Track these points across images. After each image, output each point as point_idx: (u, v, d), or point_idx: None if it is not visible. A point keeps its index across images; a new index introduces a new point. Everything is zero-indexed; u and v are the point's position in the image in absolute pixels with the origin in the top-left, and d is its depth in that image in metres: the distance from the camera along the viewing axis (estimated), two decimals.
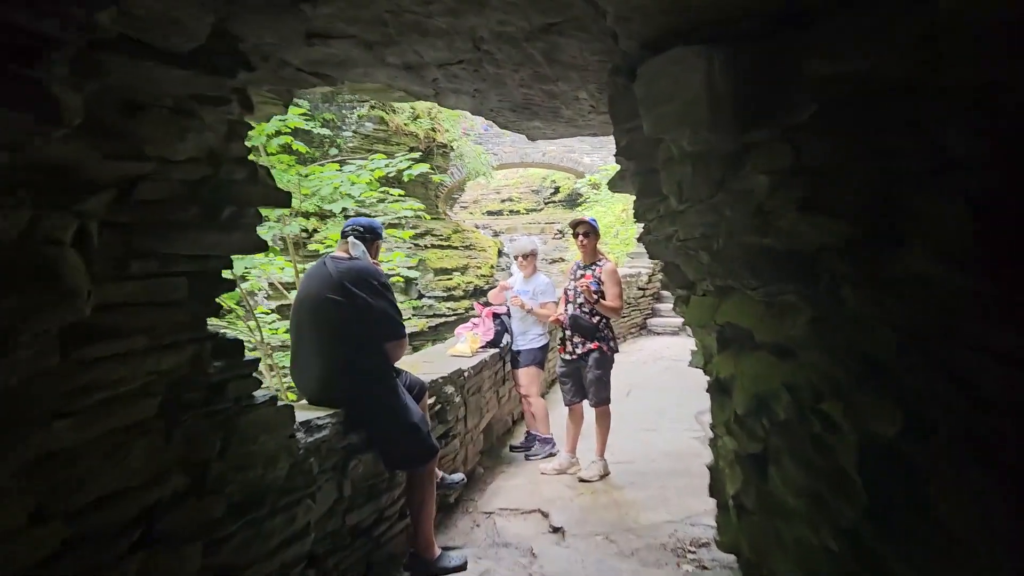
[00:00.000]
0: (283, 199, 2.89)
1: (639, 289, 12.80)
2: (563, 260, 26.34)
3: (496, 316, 5.95)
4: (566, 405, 5.44)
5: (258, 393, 2.88)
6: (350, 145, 19.41)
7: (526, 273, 5.98)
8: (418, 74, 2.70)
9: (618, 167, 3.23)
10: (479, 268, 23.67)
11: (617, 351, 5.41)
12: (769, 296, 2.46)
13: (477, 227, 29.08)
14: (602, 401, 5.21)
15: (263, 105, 3.07)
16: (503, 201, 37.02)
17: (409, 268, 20.60)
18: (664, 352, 10.84)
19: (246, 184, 2.75)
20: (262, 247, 2.86)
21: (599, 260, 5.38)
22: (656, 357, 10.43)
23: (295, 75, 2.68)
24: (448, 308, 21.85)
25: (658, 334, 12.32)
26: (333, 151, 18.93)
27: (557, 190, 35.60)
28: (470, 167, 25.43)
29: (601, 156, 29.29)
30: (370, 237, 3.69)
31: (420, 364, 4.92)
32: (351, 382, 3.38)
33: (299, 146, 6.58)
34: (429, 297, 21.51)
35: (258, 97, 2.96)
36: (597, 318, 5.24)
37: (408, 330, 16.68)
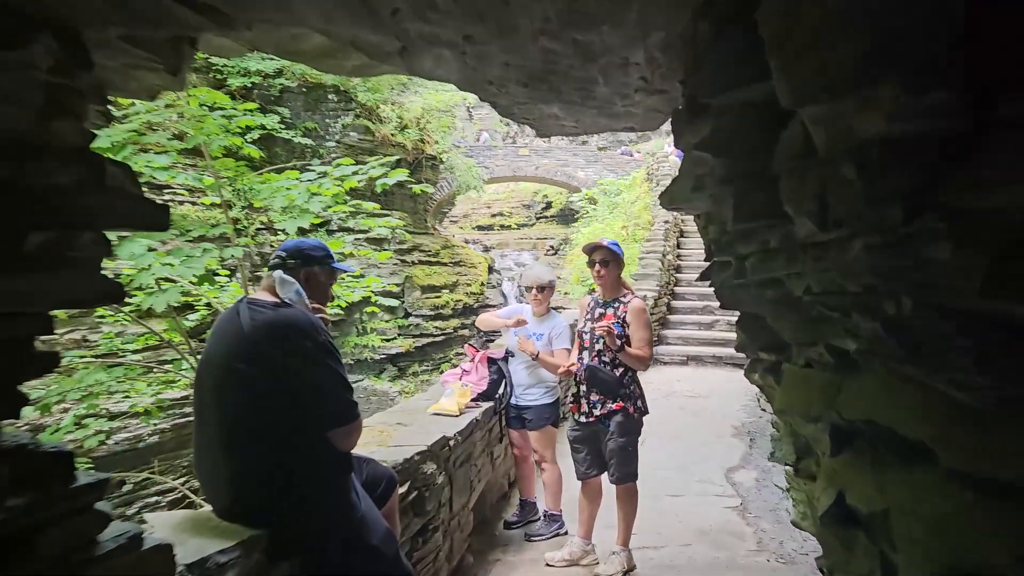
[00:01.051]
0: (151, 217, 1.78)
1: None
2: (557, 278, 25.32)
3: (492, 362, 4.83)
4: (579, 479, 4.27)
5: (108, 534, 1.77)
6: (333, 156, 18.34)
7: (539, 311, 4.76)
8: (370, 9, 1.59)
9: (671, 174, 2.17)
10: (469, 285, 22.58)
11: (646, 412, 4.26)
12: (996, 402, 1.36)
13: (467, 242, 28.17)
14: (627, 477, 4.05)
15: (134, 71, 1.94)
16: (494, 216, 36.27)
17: (396, 286, 19.81)
18: (675, 386, 9.71)
19: (83, 192, 1.65)
20: (114, 294, 1.75)
21: (623, 295, 4.23)
22: (667, 392, 9.30)
23: (162, 9, 1.56)
24: (436, 327, 20.73)
25: (665, 363, 11.17)
26: (315, 161, 17.97)
27: (549, 205, 34.91)
28: (460, 180, 24.38)
29: (596, 170, 28.47)
30: (299, 264, 2.51)
31: (391, 431, 3.79)
32: (277, 491, 2.23)
33: (251, 150, 5.43)
34: (416, 316, 20.39)
35: (119, 57, 1.84)
36: (620, 370, 4.10)
37: (393, 350, 15.09)
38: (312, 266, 2.51)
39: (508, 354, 4.85)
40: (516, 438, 4.86)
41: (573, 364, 4.23)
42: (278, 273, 2.38)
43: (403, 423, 4.01)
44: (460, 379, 4.70)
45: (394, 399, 18.74)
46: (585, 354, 4.19)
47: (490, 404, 4.65)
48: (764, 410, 8.12)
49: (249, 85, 16.74)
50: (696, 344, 11.65)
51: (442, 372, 21.45)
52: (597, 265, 4.19)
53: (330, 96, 18.28)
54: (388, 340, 19.44)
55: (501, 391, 4.75)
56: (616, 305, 4.19)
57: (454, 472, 3.92)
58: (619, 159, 29.65)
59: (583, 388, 4.18)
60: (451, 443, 3.84)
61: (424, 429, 3.86)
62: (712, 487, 5.61)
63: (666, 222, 14.27)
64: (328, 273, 2.59)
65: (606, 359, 4.10)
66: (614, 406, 4.05)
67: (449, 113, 22.40)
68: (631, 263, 14.13)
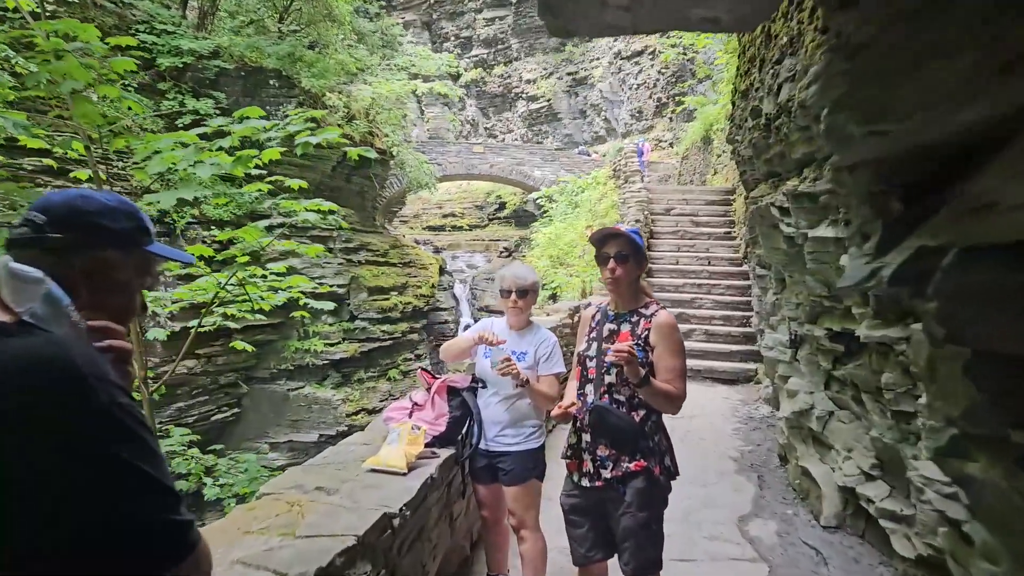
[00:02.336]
0: None
1: None
2: None
3: (454, 392, 3.59)
4: (577, 564, 3.04)
5: None
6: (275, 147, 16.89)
7: (519, 322, 3.58)
8: None
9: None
10: (419, 287, 21.20)
11: (676, 473, 2.97)
12: None
13: (417, 243, 26.93)
14: (648, 566, 2.81)
15: None
16: (445, 216, 35.16)
17: (341, 287, 18.36)
18: None
19: None
20: None
21: (643, 306, 3.03)
22: None
23: None
24: (383, 331, 19.27)
25: None
26: (254, 152, 16.40)
27: (503, 206, 33.98)
28: (412, 177, 23.05)
29: (552, 169, 27.50)
30: (73, 241, 1.23)
31: (305, 504, 2.53)
32: None
33: (132, 103, 4.09)
34: (362, 319, 18.94)
35: None
36: (641, 412, 2.89)
37: (337, 356, 13.61)
38: (102, 248, 1.24)
39: (477, 383, 3.62)
40: (485, 496, 3.61)
41: (573, 403, 2.99)
42: (5, 261, 1.12)
43: (325, 488, 2.75)
44: (410, 416, 3.46)
45: (337, 407, 17.37)
46: (589, 389, 2.98)
47: (451, 453, 3.42)
48: (757, 437, 7.08)
49: (181, 66, 15.20)
50: None
51: (390, 380, 19.95)
52: (612, 261, 2.97)
53: (271, 81, 16.80)
54: (332, 345, 18.02)
55: (466, 431, 3.52)
56: (634, 319, 2.98)
57: (399, 561, 2.68)
58: (576, 159, 28.74)
59: (586, 438, 2.96)
60: (396, 522, 2.60)
61: (355, 501, 2.62)
62: (727, 546, 4.48)
63: (637, 221, 13.22)
64: (139, 263, 1.32)
65: (620, 396, 2.90)
66: (632, 466, 2.82)
67: (400, 105, 21.06)
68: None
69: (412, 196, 29.17)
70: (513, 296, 3.50)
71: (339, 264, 18.31)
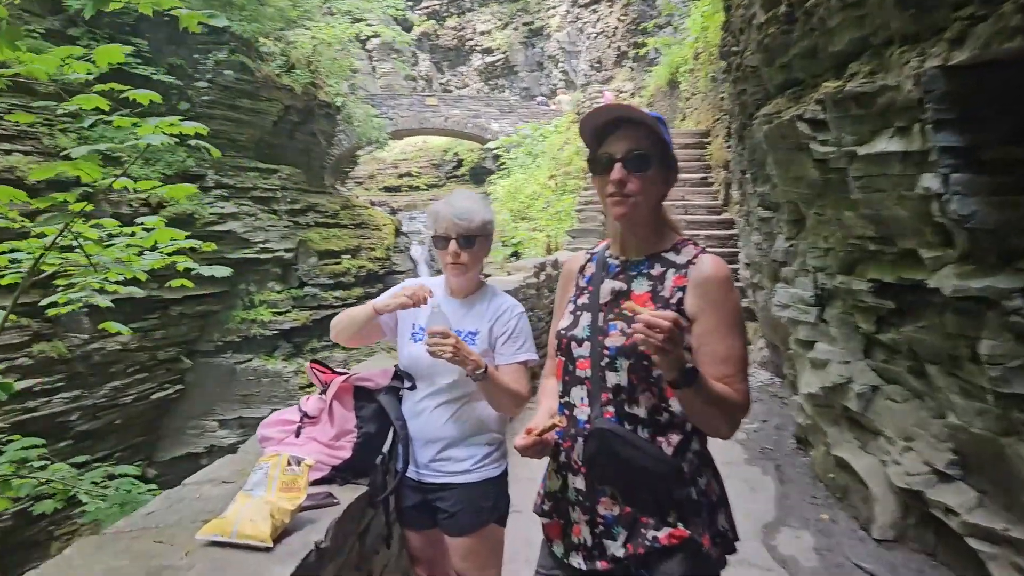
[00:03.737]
0: None
1: None
2: None
3: (364, 395, 2.42)
4: None
5: None
6: (204, 98, 15.39)
7: (460, 285, 2.46)
8: None
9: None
10: (373, 250, 19.91)
11: (735, 539, 1.82)
12: None
13: (372, 204, 25.68)
14: None
15: None
16: (401, 176, 33.84)
17: (288, 251, 17.05)
18: None
19: None
20: None
21: (674, 248, 1.83)
22: None
23: None
24: (336, 298, 17.95)
25: None
26: (183, 105, 14.93)
27: (460, 163, 32.81)
28: (361, 132, 21.62)
29: (511, 121, 26.31)
30: None
31: None
32: None
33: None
34: (312, 285, 17.65)
35: None
36: (676, 439, 1.71)
37: (286, 325, 11.98)
38: None
39: (402, 381, 2.44)
40: (420, 547, 2.51)
41: (557, 419, 1.81)
42: None
43: None
44: (297, 433, 2.29)
45: (288, 380, 16.24)
46: (581, 396, 1.80)
47: (362, 491, 2.27)
48: (760, 411, 6.11)
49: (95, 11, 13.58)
50: None
51: (345, 349, 18.87)
52: (619, 168, 1.73)
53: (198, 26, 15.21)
54: (280, 313, 16.79)
55: (385, 455, 2.37)
56: (657, 271, 1.80)
57: None
58: (536, 110, 27.57)
59: (577, 483, 1.80)
60: None
61: None
62: (753, 572, 3.47)
63: None
64: None
65: (637, 410, 1.71)
66: (663, 536, 1.66)
67: (344, 52, 19.54)
68: (565, 218, 11.97)
69: (366, 155, 27.79)
70: (453, 245, 2.31)
71: (285, 227, 16.99)
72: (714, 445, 1.78)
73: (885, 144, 2.51)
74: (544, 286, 7.96)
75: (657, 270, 1.78)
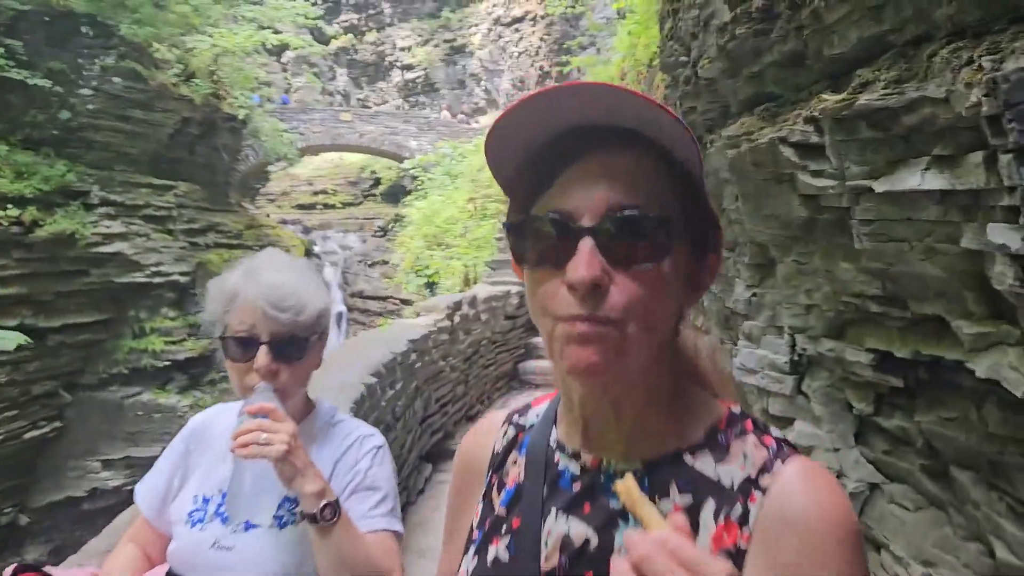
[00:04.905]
0: None
1: (507, 319, 8.75)
2: (385, 263, 21.93)
3: None
4: None
5: None
6: (89, 107, 13.95)
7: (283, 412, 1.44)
8: None
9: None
10: None
11: None
12: None
13: (285, 222, 24.41)
14: None
15: None
16: (316, 193, 32.58)
17: (184, 275, 15.70)
18: None
19: None
20: None
21: (720, 429, 0.83)
22: None
23: None
24: None
25: (537, 386, 8.32)
26: (64, 114, 13.56)
27: (378, 182, 31.82)
28: (268, 147, 20.39)
29: (430, 139, 25.55)
30: None
31: None
32: None
33: None
34: None
35: None
36: None
37: (181, 356, 10.43)
38: None
39: None
40: None
41: None
42: None
43: None
44: None
45: (183, 415, 14.90)
46: None
47: None
48: None
49: None
50: None
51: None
52: (587, 249, 0.73)
53: (83, 28, 13.84)
54: (175, 343, 15.41)
55: None
56: (682, 498, 0.78)
57: None
58: (457, 127, 26.93)
59: None
60: None
61: None
62: None
63: None
64: None
65: None
66: None
67: (251, 62, 18.38)
68: (485, 245, 11.16)
69: (279, 172, 26.51)
70: (264, 354, 1.48)
71: (181, 248, 15.70)
72: None
73: (915, 179, 1.75)
74: (460, 328, 7.12)
75: (679, 497, 0.79)
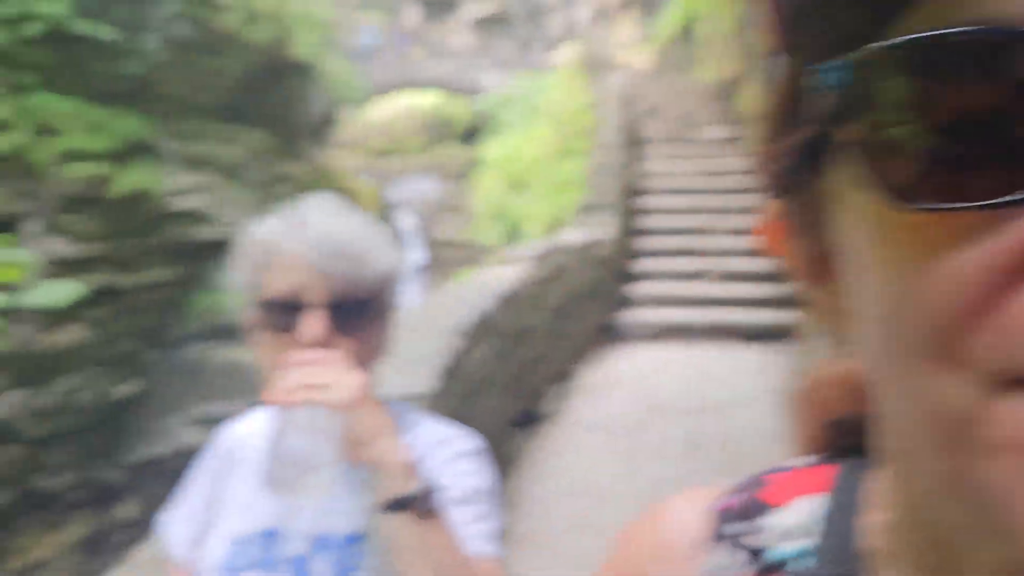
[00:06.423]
0: None
1: (599, 266, 7.78)
2: (463, 209, 21.14)
3: None
4: None
5: None
6: (157, 58, 13.55)
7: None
8: None
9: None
10: None
11: None
12: None
13: (358, 170, 24.14)
14: None
15: None
16: (388, 139, 32.29)
17: None
18: (656, 387, 5.92)
19: None
20: None
21: None
22: (646, 401, 5.52)
23: None
24: None
25: (637, 339, 7.36)
26: (131, 66, 13.21)
27: (452, 123, 31.18)
28: (339, 92, 19.79)
29: (504, 75, 24.50)
30: None
31: None
32: None
33: None
34: None
35: None
36: None
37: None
38: None
39: None
40: None
41: None
42: None
43: None
44: None
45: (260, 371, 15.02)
46: None
47: None
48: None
49: None
50: (677, 305, 7.85)
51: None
52: None
53: None
54: None
55: None
56: None
57: None
58: (534, 61, 25.80)
59: None
60: None
61: None
62: None
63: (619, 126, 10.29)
64: None
65: None
66: None
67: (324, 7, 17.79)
68: (573, 187, 10.17)
69: (350, 118, 26.12)
70: (315, 318, 1.08)
71: (254, 200, 15.53)
72: None
73: None
74: (550, 278, 6.21)
75: None
